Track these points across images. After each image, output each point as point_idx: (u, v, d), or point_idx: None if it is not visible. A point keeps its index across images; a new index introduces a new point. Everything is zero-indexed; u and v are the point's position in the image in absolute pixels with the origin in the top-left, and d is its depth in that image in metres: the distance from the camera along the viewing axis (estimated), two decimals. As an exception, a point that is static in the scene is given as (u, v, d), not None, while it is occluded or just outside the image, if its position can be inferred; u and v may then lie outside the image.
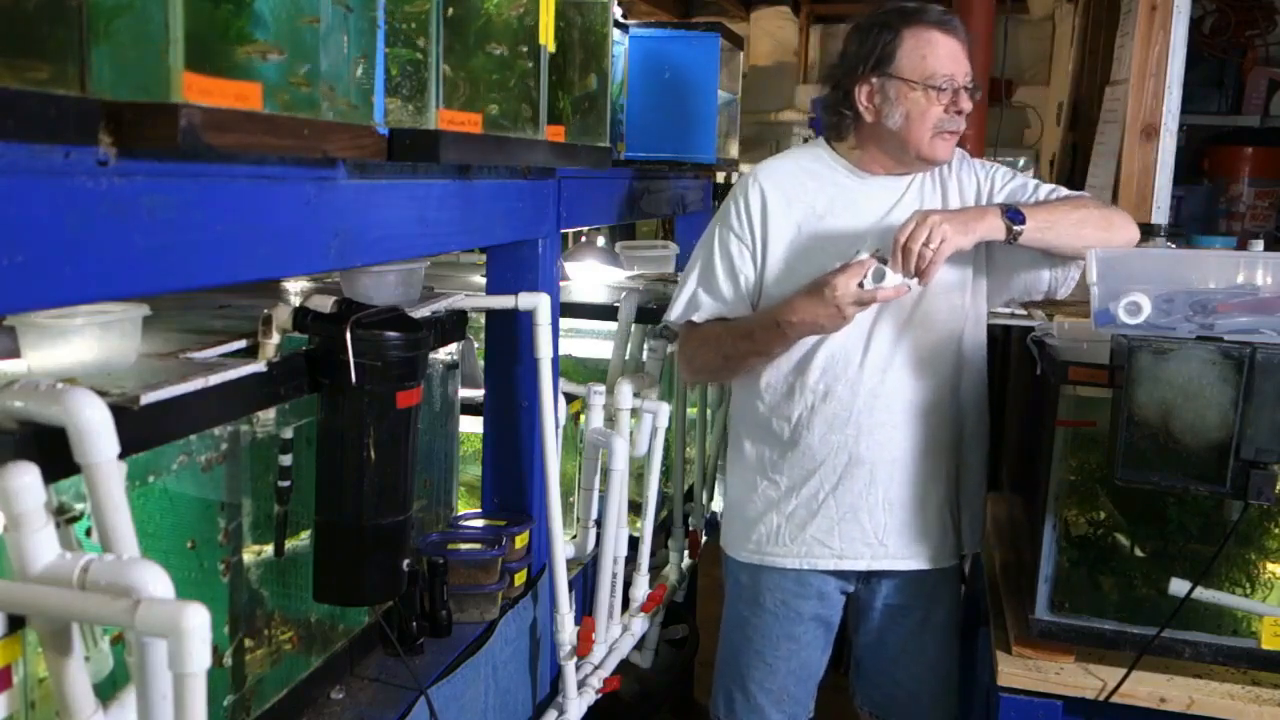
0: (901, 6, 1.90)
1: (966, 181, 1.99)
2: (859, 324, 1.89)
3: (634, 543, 2.31)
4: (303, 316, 1.39)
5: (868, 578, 2.04)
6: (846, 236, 1.92)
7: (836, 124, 1.98)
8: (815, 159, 2.01)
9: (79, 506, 1.10)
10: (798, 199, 1.96)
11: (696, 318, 1.99)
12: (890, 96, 1.88)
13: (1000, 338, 2.87)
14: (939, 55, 1.86)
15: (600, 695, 2.11)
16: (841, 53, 1.97)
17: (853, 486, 1.96)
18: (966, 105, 1.88)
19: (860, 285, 1.74)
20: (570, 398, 2.16)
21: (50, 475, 0.98)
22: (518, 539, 1.93)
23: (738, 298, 1.97)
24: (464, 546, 1.87)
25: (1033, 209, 1.83)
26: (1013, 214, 1.80)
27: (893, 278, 1.74)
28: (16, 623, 1.00)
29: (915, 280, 1.75)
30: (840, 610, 2.10)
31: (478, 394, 2.05)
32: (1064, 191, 1.96)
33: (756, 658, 2.09)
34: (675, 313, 2.02)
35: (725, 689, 2.15)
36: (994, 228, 1.79)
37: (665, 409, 2.25)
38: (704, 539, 2.77)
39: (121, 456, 1.02)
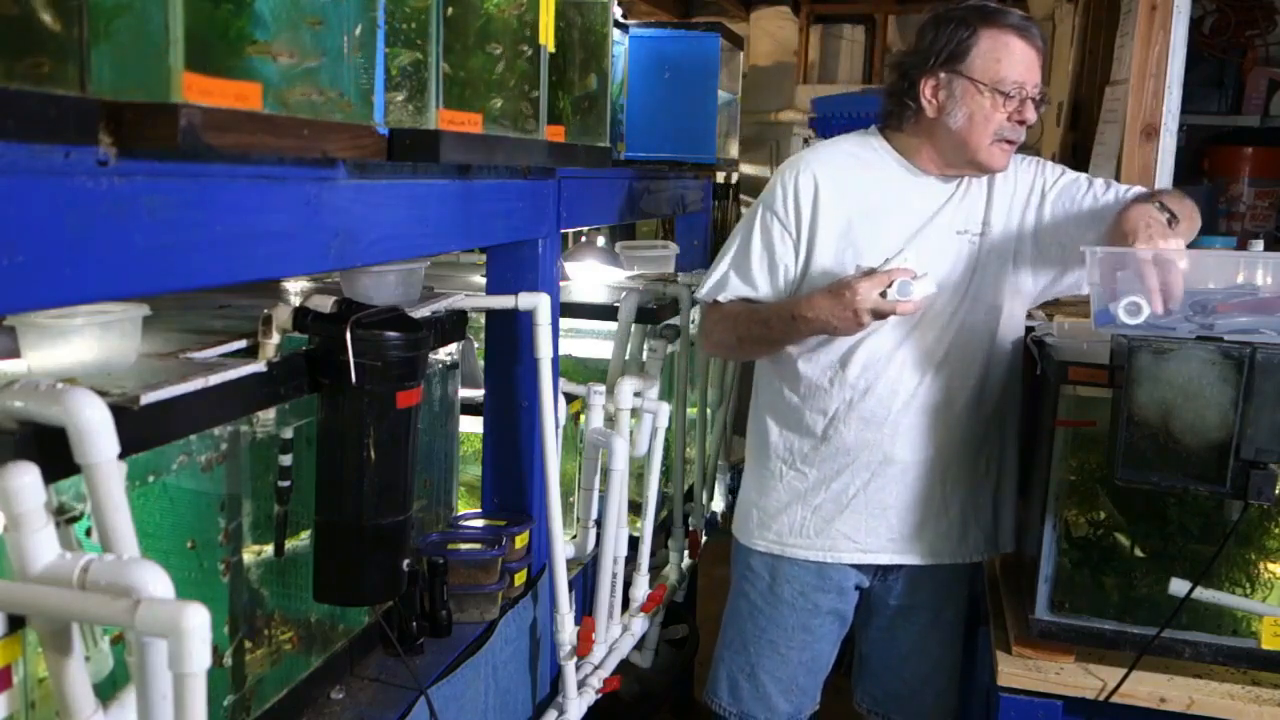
0: (984, 5, 1.86)
1: (1020, 180, 1.96)
2: (903, 323, 1.89)
3: (634, 543, 2.31)
4: (303, 316, 1.39)
5: (884, 573, 2.05)
6: (898, 232, 1.90)
7: (896, 114, 1.94)
8: (869, 149, 1.97)
9: (79, 506, 1.10)
10: (851, 189, 1.93)
11: (722, 298, 1.98)
12: (956, 94, 1.84)
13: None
14: (1013, 61, 1.82)
15: (600, 695, 2.11)
16: (915, 42, 1.92)
17: (885, 484, 1.95)
18: (1031, 116, 1.85)
19: (883, 295, 1.71)
20: (570, 398, 2.16)
21: (50, 475, 0.98)
22: (518, 539, 1.93)
23: (770, 284, 1.95)
24: (464, 546, 1.87)
25: (1183, 212, 1.76)
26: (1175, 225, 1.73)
27: (918, 290, 1.71)
28: (16, 623, 1.00)
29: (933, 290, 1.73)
30: (854, 605, 2.10)
31: (478, 394, 2.05)
32: (1120, 187, 1.92)
33: (770, 648, 2.08)
34: (703, 290, 2.03)
35: (730, 677, 2.13)
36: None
37: (665, 409, 2.25)
38: (704, 539, 2.77)
39: (121, 456, 1.01)
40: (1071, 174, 1.98)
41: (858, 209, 1.92)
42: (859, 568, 2.04)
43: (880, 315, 1.74)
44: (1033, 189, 1.95)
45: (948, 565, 2.02)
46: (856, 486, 1.96)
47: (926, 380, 1.93)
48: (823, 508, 1.99)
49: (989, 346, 1.95)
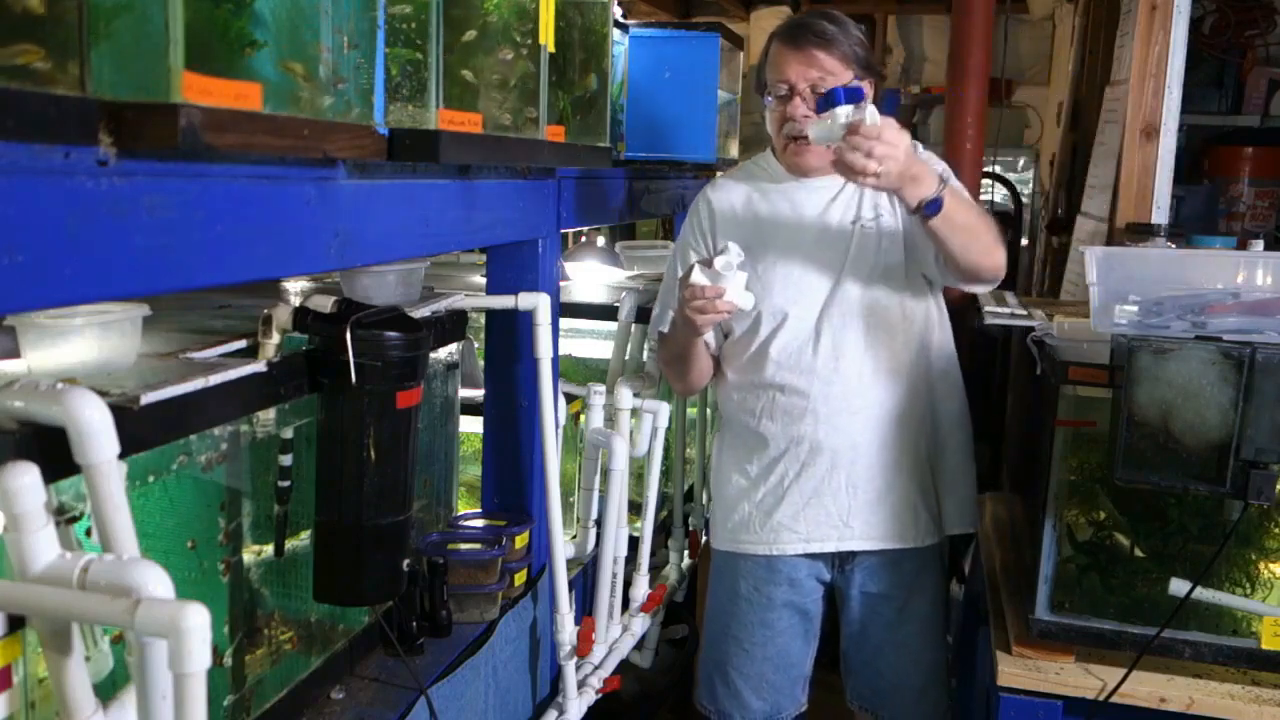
0: (786, 22, 1.99)
1: None
2: (807, 315, 1.98)
3: (634, 543, 2.31)
4: (303, 316, 1.39)
5: (841, 564, 2.08)
6: (787, 237, 2.00)
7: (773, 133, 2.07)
8: (760, 165, 2.11)
9: (79, 506, 1.10)
10: (741, 205, 2.06)
11: (664, 329, 2.09)
12: (765, 106, 2.00)
13: (1000, 338, 2.87)
14: (780, 64, 1.93)
15: (600, 695, 2.11)
16: None
17: (815, 472, 2.01)
18: (795, 110, 1.91)
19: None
20: (570, 398, 2.16)
21: (50, 475, 0.98)
22: (518, 539, 1.93)
23: None
24: (464, 546, 1.87)
25: (955, 201, 1.77)
26: (932, 205, 1.73)
27: (697, 276, 1.74)
28: (16, 623, 1.00)
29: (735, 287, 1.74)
30: (818, 600, 2.13)
31: (478, 394, 2.05)
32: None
33: (735, 644, 2.14)
34: (651, 329, 2.18)
35: (708, 676, 2.21)
36: (914, 196, 1.72)
37: (665, 409, 2.26)
38: (704, 539, 2.77)
39: (121, 456, 1.01)
40: (957, 185, 1.93)
41: (749, 221, 2.04)
42: (810, 559, 2.08)
43: (701, 309, 1.76)
44: None
45: (902, 551, 2.04)
46: (790, 478, 2.03)
47: (841, 367, 1.97)
48: (764, 501, 2.06)
49: (906, 330, 1.99)
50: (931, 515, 2.05)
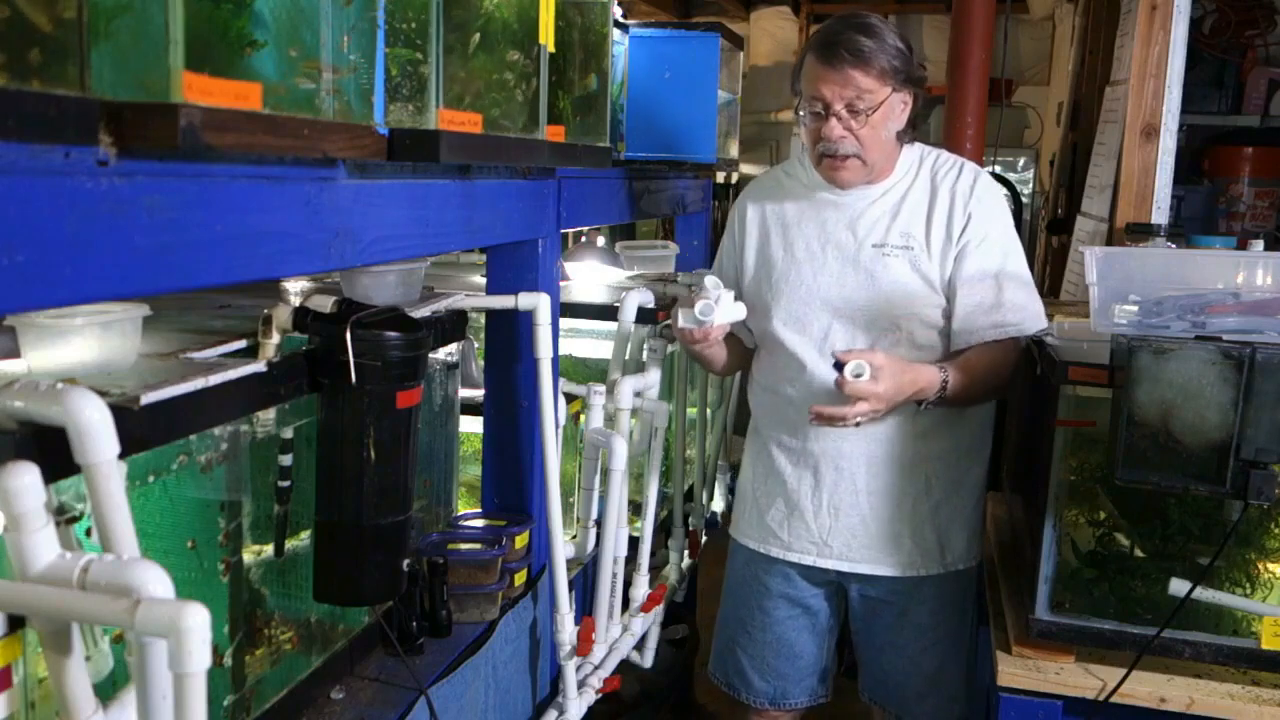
0: (826, 25, 1.94)
1: (956, 213, 1.94)
2: (814, 329, 1.98)
3: (634, 543, 2.31)
4: (303, 316, 1.39)
5: (835, 568, 2.07)
6: (805, 247, 2.00)
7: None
8: (794, 168, 2.11)
9: (79, 506, 1.10)
10: (770, 209, 2.08)
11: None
12: (800, 117, 1.95)
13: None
14: (813, 79, 1.88)
15: (600, 695, 2.11)
16: None
17: (799, 487, 2.04)
18: (830, 131, 1.87)
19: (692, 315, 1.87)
20: (570, 398, 2.16)
21: (50, 475, 0.98)
22: (518, 539, 1.93)
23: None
24: (464, 546, 1.87)
25: (961, 382, 1.88)
26: (937, 399, 1.88)
27: (683, 319, 1.84)
28: (16, 623, 1.00)
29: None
30: (820, 596, 2.15)
31: (478, 394, 2.05)
32: (1000, 315, 1.93)
33: (739, 625, 2.21)
34: None
35: (720, 651, 2.28)
36: (918, 399, 1.88)
37: (665, 409, 2.26)
38: (704, 539, 2.77)
39: (121, 456, 1.01)
40: (992, 251, 1.94)
41: (775, 226, 2.07)
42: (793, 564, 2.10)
43: (700, 342, 1.94)
44: (951, 230, 1.94)
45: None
46: (779, 485, 2.06)
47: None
48: (759, 502, 2.12)
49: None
50: (924, 549, 2.02)
